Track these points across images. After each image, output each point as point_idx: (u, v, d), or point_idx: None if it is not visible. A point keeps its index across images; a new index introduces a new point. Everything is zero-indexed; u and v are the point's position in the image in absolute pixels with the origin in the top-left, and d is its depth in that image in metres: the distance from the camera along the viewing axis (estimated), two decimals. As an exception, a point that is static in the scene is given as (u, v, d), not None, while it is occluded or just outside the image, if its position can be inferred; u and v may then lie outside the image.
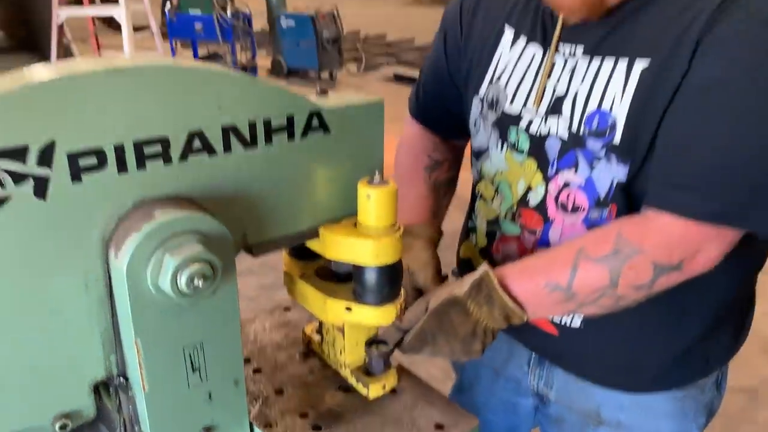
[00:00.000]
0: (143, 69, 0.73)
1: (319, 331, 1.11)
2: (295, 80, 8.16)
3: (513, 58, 1.18)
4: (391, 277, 0.93)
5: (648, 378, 1.21)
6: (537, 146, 1.14)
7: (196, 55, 8.02)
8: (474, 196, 1.32)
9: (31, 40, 9.23)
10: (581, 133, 1.06)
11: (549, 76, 1.11)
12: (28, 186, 0.68)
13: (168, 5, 7.44)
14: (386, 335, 1.05)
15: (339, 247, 0.92)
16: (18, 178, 0.67)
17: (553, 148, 1.11)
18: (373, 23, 12.74)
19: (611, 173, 1.04)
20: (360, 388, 1.01)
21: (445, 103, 1.35)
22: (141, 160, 0.74)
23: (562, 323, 1.19)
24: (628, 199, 1.04)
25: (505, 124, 1.18)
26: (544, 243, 1.15)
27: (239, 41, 7.62)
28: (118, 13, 4.83)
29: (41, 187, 0.69)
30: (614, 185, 1.05)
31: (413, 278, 1.15)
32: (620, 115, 1.01)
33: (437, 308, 1.04)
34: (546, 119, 1.11)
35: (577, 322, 1.18)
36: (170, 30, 7.64)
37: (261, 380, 1.06)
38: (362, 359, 1.04)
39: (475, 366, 1.47)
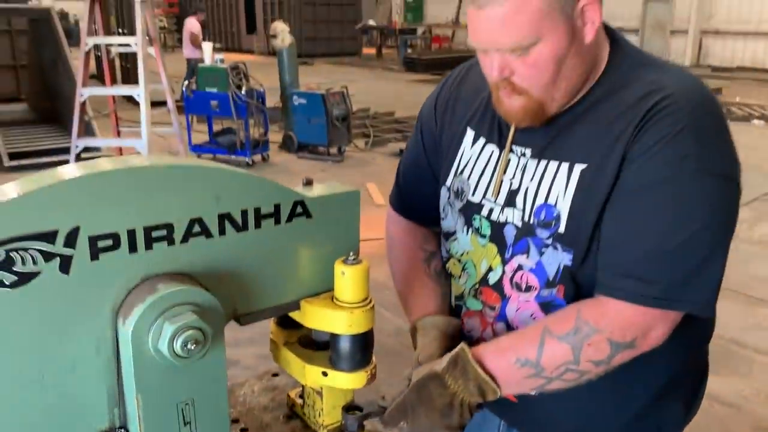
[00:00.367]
0: (153, 168, 0.89)
1: (302, 395, 1.23)
2: (305, 155, 8.45)
3: (474, 155, 1.33)
4: (363, 345, 1.06)
5: None
6: (497, 232, 1.27)
7: (210, 130, 8.34)
8: (435, 255, 1.43)
9: (53, 113, 9.65)
10: (531, 223, 1.20)
11: (505, 171, 1.25)
12: (55, 263, 0.83)
13: (186, 83, 7.81)
14: (367, 406, 1.16)
15: (317, 317, 1.05)
16: (48, 256, 0.82)
17: (510, 234, 1.25)
18: (383, 100, 13.19)
19: (558, 258, 1.17)
20: (336, 447, 1.12)
21: (425, 193, 1.44)
22: (149, 243, 0.89)
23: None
24: (574, 281, 1.17)
25: (470, 211, 1.31)
26: (502, 318, 1.27)
27: (252, 117, 7.94)
28: (138, 93, 5.12)
29: (66, 264, 0.84)
30: (561, 269, 1.17)
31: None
32: (564, 209, 1.16)
33: (417, 382, 1.15)
34: (503, 209, 1.26)
35: (532, 391, 1.26)
36: (187, 106, 7.99)
37: (245, 442, 1.17)
38: (339, 421, 1.15)
39: None
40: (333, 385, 1.08)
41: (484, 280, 1.28)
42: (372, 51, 26.22)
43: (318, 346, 1.13)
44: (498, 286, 1.25)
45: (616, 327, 1.09)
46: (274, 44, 8.67)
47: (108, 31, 9.39)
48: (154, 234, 0.90)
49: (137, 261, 0.89)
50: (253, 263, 1.00)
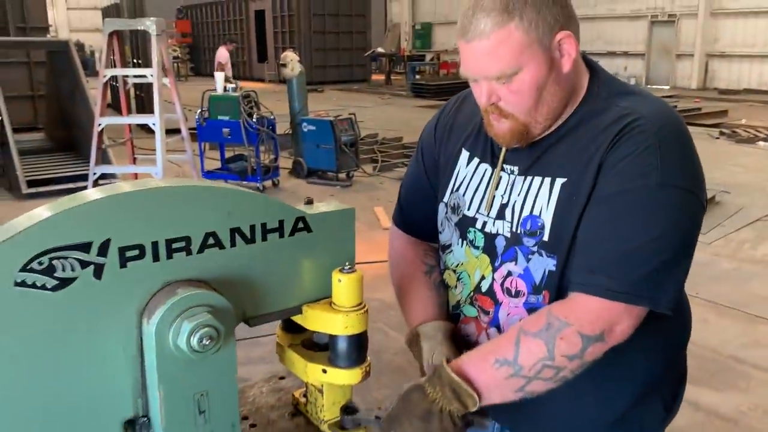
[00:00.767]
0: (173, 188, 1.03)
1: (305, 394, 1.35)
2: (314, 180, 8.62)
3: (469, 173, 1.46)
4: (358, 345, 1.19)
5: None
6: (489, 243, 1.40)
7: (223, 156, 8.54)
8: (435, 269, 1.55)
9: (70, 141, 9.91)
10: (519, 233, 1.33)
11: (496, 188, 1.39)
12: (90, 270, 0.97)
13: (199, 112, 8.03)
14: (365, 413, 1.27)
15: (317, 320, 1.18)
16: (84, 264, 0.96)
17: (500, 244, 1.37)
18: (391, 126, 13.39)
19: (543, 264, 1.30)
20: (335, 439, 1.25)
21: (425, 211, 1.55)
22: (169, 253, 1.03)
23: None
24: (558, 287, 1.28)
25: (465, 225, 1.44)
26: (495, 322, 1.38)
27: (263, 144, 8.13)
28: (153, 121, 5.32)
29: (99, 271, 0.97)
30: (546, 274, 1.30)
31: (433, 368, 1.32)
32: (547, 219, 1.28)
33: (402, 394, 1.25)
34: (494, 222, 1.39)
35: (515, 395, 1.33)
36: (200, 134, 8.20)
37: (254, 435, 1.30)
38: (338, 416, 1.28)
39: None
40: (332, 381, 1.20)
41: (477, 289, 1.40)
42: (381, 77, 26.58)
43: (319, 348, 1.26)
44: (490, 292, 1.37)
45: (584, 320, 1.19)
46: (284, 73, 8.89)
47: (123, 62, 9.68)
48: (174, 245, 1.03)
49: (159, 269, 1.02)
50: (260, 272, 1.14)
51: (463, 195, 1.45)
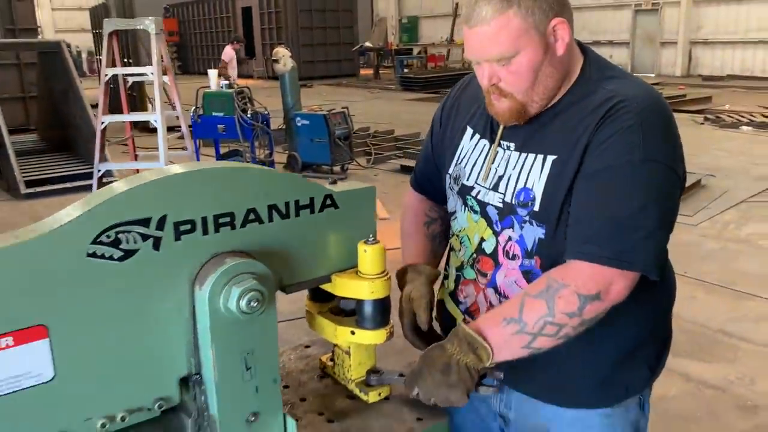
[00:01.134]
0: (220, 170, 1.16)
1: (332, 358, 1.49)
2: (309, 173, 8.72)
3: (470, 148, 1.61)
4: (382, 308, 1.32)
5: (577, 396, 1.52)
6: (483, 209, 1.55)
7: (218, 152, 8.64)
8: (449, 250, 1.71)
9: (64, 142, 9.96)
10: (513, 203, 1.46)
11: (493, 162, 1.54)
12: (150, 242, 1.09)
13: (193, 109, 8.12)
14: (389, 372, 1.41)
15: (345, 287, 1.32)
16: (144, 237, 1.09)
17: (492, 213, 1.52)
18: (381, 119, 13.50)
19: (534, 233, 1.43)
20: (362, 395, 1.38)
21: (432, 179, 1.74)
22: (217, 227, 1.16)
23: None
24: (547, 253, 1.42)
25: (464, 193, 1.58)
26: (492, 284, 1.52)
27: (258, 139, 8.24)
28: (155, 118, 5.42)
29: (157, 243, 1.10)
30: (536, 241, 1.43)
31: (413, 304, 1.50)
32: (538, 191, 1.42)
33: (424, 353, 1.39)
34: (488, 192, 1.52)
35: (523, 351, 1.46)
36: (195, 131, 8.29)
37: (288, 393, 1.43)
38: (364, 376, 1.41)
39: None
40: (360, 342, 1.33)
41: (480, 250, 1.54)
42: (369, 72, 26.65)
43: (345, 313, 1.39)
44: (494, 255, 1.51)
45: (580, 282, 1.32)
46: (276, 69, 8.99)
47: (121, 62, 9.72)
48: (221, 220, 1.16)
49: (208, 241, 1.15)
50: (294, 244, 1.27)
51: (464, 167, 1.60)
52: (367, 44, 26.46)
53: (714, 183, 7.86)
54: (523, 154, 1.47)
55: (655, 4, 22.31)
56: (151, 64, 5.63)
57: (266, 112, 8.39)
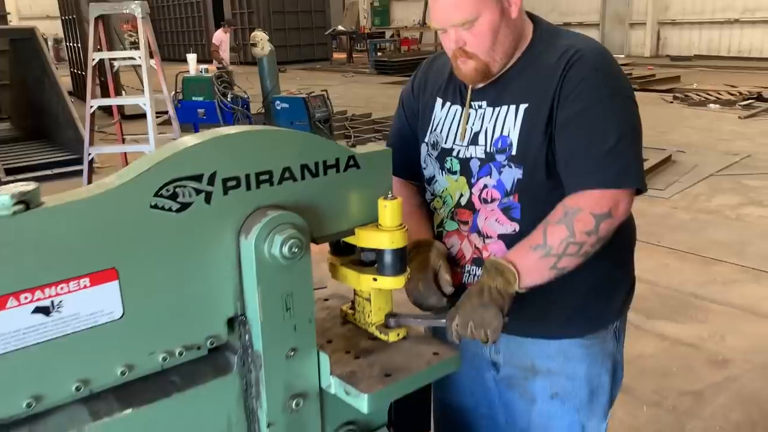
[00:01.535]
0: (261, 132, 1.30)
1: (352, 307, 1.64)
2: (289, 157, 8.84)
3: (443, 115, 1.81)
4: (401, 257, 1.48)
5: (558, 326, 1.73)
6: (465, 166, 1.73)
7: (197, 138, 8.69)
8: (426, 203, 1.88)
9: (39, 130, 9.91)
10: (491, 152, 1.67)
11: (467, 122, 1.73)
12: (202, 196, 1.23)
13: (173, 94, 8.16)
14: (405, 315, 1.57)
15: (368, 239, 1.47)
16: (197, 191, 1.22)
17: (475, 165, 1.71)
18: (357, 103, 13.60)
19: (513, 174, 1.64)
20: (383, 336, 1.54)
21: (409, 153, 1.87)
22: (258, 184, 1.30)
23: None
24: (525, 189, 1.62)
25: (443, 156, 1.77)
26: (474, 228, 1.72)
27: (239, 123, 8.33)
28: (144, 102, 5.49)
29: (208, 197, 1.24)
30: (515, 181, 1.64)
31: (439, 271, 1.67)
32: (514, 137, 1.63)
33: (468, 291, 1.58)
34: (468, 148, 1.72)
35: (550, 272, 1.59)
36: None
37: (315, 337, 1.58)
38: (383, 320, 1.57)
39: None
40: (381, 287, 1.49)
41: (457, 204, 1.75)
42: (342, 56, 26.64)
43: (365, 264, 1.55)
44: (469, 204, 1.71)
45: (593, 203, 1.52)
46: (254, 52, 9.06)
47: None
48: (261, 177, 1.30)
49: (251, 196, 1.29)
50: (322, 200, 1.41)
51: (440, 132, 1.79)
52: (340, 28, 26.44)
53: (684, 158, 8.16)
54: (497, 108, 1.67)
55: (623, -14, 22.61)
56: (126, 49, 5.68)
57: (246, 96, 8.46)
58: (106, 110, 8.48)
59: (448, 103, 1.80)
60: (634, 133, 1.59)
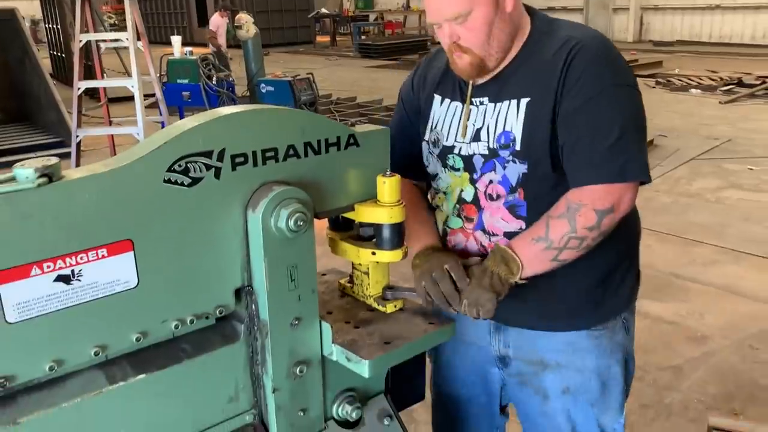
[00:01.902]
0: (268, 110, 1.36)
1: (350, 281, 1.71)
2: (275, 140, 8.85)
3: (443, 112, 1.77)
4: (398, 231, 1.54)
5: (567, 318, 1.71)
6: (468, 163, 1.70)
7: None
8: (433, 208, 1.86)
9: (22, 113, 9.81)
10: (495, 147, 1.64)
11: (468, 118, 1.71)
12: (212, 172, 1.29)
13: (157, 76, 8.11)
14: (402, 294, 1.62)
15: (367, 214, 1.53)
16: (207, 167, 1.28)
17: (478, 161, 1.69)
18: (342, 87, 13.59)
19: (517, 169, 1.62)
20: (380, 308, 1.61)
21: (412, 151, 1.84)
22: (264, 160, 1.36)
23: None
24: (530, 185, 1.61)
25: (444, 153, 1.75)
26: (480, 226, 1.70)
27: (224, 106, 8.31)
28: (132, 84, 5.48)
29: (217, 173, 1.30)
30: (520, 176, 1.62)
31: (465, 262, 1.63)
32: (518, 132, 1.60)
33: (471, 270, 1.59)
34: (470, 144, 1.69)
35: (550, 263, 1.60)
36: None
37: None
38: (381, 292, 1.64)
39: (450, 343, 1.88)
40: (380, 260, 1.56)
41: (461, 200, 1.73)
42: (326, 39, 26.50)
43: (364, 239, 1.61)
44: (475, 201, 1.70)
45: (595, 199, 1.51)
46: (239, 35, 9.03)
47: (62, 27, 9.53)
48: (267, 154, 1.36)
49: (258, 172, 1.35)
50: (324, 177, 1.47)
51: (440, 130, 1.77)
52: (323, 11, 26.28)
53: (666, 142, 8.29)
54: (498, 103, 1.65)
55: (607, -29, 22.69)
56: (106, 31, 5.64)
57: (231, 79, 8.44)
58: (87, 93, 8.42)
59: (447, 100, 1.77)
60: (638, 123, 1.56)
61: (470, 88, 1.70)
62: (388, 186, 1.52)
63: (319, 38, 26.98)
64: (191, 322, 1.33)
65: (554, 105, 1.57)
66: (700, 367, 3.59)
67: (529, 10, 1.71)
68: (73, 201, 1.13)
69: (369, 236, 1.61)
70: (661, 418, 3.13)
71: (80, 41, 5.50)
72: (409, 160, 1.85)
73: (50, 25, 16.21)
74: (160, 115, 6.45)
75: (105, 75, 10.19)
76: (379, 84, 14.62)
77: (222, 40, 10.87)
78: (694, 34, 21.48)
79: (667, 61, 16.64)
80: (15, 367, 1.15)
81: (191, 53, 8.32)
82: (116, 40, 6.03)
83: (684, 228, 5.39)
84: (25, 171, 1.08)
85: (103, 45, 6.70)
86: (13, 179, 1.10)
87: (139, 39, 5.69)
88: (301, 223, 1.34)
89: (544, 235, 1.54)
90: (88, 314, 1.19)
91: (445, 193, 1.79)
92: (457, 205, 1.74)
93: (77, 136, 5.72)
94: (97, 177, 1.16)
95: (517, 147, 1.61)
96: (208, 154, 1.28)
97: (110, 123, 6.66)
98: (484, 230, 1.71)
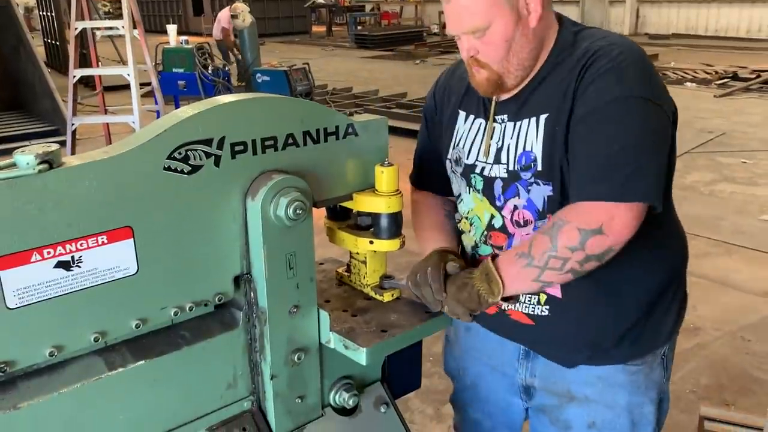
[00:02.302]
0: (268, 99, 1.36)
1: (347, 270, 1.72)
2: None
3: (466, 129, 1.68)
4: (396, 220, 1.55)
5: (602, 352, 1.59)
6: (488, 185, 1.59)
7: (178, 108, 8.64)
8: (459, 232, 1.75)
9: (16, 101, 9.76)
10: (516, 170, 1.54)
11: (491, 137, 1.61)
12: (212, 160, 1.29)
13: (153, 65, 8.08)
14: (399, 279, 1.61)
15: (365, 203, 1.54)
16: (207, 155, 1.29)
17: (498, 186, 1.58)
18: (338, 77, 13.56)
19: (542, 192, 1.50)
20: (378, 296, 1.62)
21: (438, 169, 1.77)
22: (263, 149, 1.36)
23: (535, 313, 1.58)
24: (557, 208, 1.46)
25: (467, 173, 1.64)
26: None
27: (220, 95, 8.29)
28: (127, 72, 5.45)
29: (217, 161, 1.30)
30: (546, 200, 1.50)
31: (446, 267, 1.54)
32: (538, 151, 1.49)
33: (461, 273, 1.52)
34: (492, 167, 1.59)
35: (545, 311, 1.58)
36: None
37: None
38: (378, 281, 1.65)
39: (476, 366, 1.85)
40: (378, 249, 1.57)
41: (490, 226, 1.63)
42: (321, 29, 26.41)
43: (362, 228, 1.62)
44: (503, 228, 1.60)
45: (581, 218, 1.39)
46: (235, 24, 8.99)
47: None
48: (266, 143, 1.36)
49: (257, 160, 1.35)
50: (322, 166, 1.48)
51: (463, 148, 1.68)
52: (319, 1, 26.16)
53: (660, 135, 8.29)
54: (518, 122, 1.56)
55: (604, -37, 22.66)
56: (100, 19, 5.61)
57: (227, 69, 8.41)
58: (82, 81, 8.38)
59: (471, 117, 1.67)
60: (648, 140, 1.39)
61: (494, 104, 1.60)
62: (386, 175, 1.53)
63: (315, 28, 26.87)
64: (190, 309, 1.34)
65: (569, 117, 1.46)
66: (692, 358, 3.62)
67: (559, 18, 1.58)
68: (73, 188, 1.14)
69: (367, 225, 1.61)
70: (654, 408, 3.15)
71: (76, 29, 5.47)
72: (434, 177, 1.81)
73: (44, 13, 16.11)
74: (156, 104, 6.42)
75: (100, 63, 10.16)
76: (375, 75, 14.60)
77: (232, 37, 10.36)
78: (690, 28, 21.50)
79: (662, 54, 16.64)
80: (15, 353, 1.15)
81: (187, 42, 8.29)
82: (112, 28, 6.00)
83: (678, 221, 5.41)
84: (26, 157, 1.09)
85: (98, 33, 6.66)
86: (13, 165, 1.10)
87: (134, 27, 5.66)
88: (300, 212, 1.34)
89: (527, 251, 1.44)
90: (88, 300, 1.20)
91: (467, 218, 1.70)
92: (486, 231, 1.64)
93: (73, 125, 5.69)
94: (97, 164, 1.17)
95: (539, 167, 1.50)
96: (208, 142, 1.28)
97: (106, 111, 6.63)
98: None
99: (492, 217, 1.62)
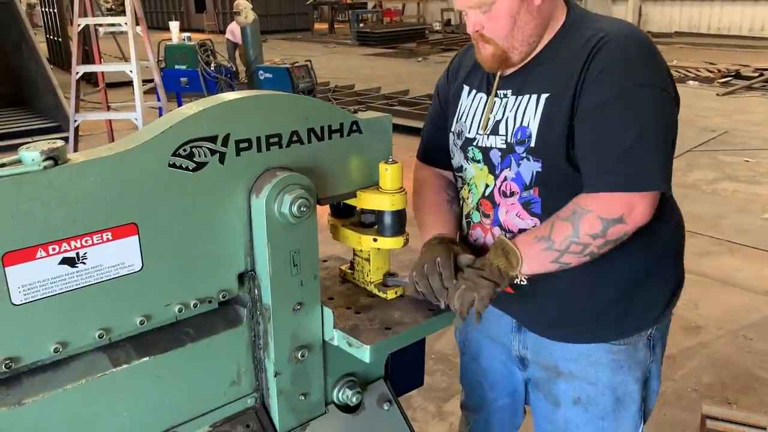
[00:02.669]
0: (270, 96, 1.36)
1: (351, 267, 1.72)
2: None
3: (468, 103, 1.74)
4: (400, 218, 1.55)
5: (581, 331, 1.66)
6: (486, 156, 1.66)
7: (180, 106, 8.64)
8: (457, 199, 1.82)
9: (19, 97, 9.76)
10: (512, 142, 1.60)
11: (491, 111, 1.66)
12: (216, 156, 1.29)
13: (156, 61, 8.07)
14: (402, 276, 1.62)
15: (369, 201, 1.54)
16: (212, 152, 1.29)
17: (495, 155, 1.65)
18: (340, 74, 13.55)
19: (531, 167, 1.57)
20: (381, 294, 1.62)
21: (443, 143, 1.81)
22: (268, 146, 1.36)
23: (515, 282, 1.60)
24: (544, 183, 1.56)
25: (466, 145, 1.71)
26: (496, 222, 1.67)
27: (222, 92, 8.28)
28: (130, 69, 5.45)
29: (222, 158, 1.30)
30: (534, 174, 1.57)
31: (458, 259, 1.56)
32: (534, 128, 1.55)
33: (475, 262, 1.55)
34: (488, 137, 1.66)
35: (524, 280, 1.62)
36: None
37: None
38: (381, 278, 1.65)
39: (477, 339, 1.93)
40: (382, 247, 1.57)
41: (483, 195, 1.70)
42: (323, 26, 26.39)
43: (365, 226, 1.62)
44: (490, 197, 1.67)
45: (602, 208, 1.45)
46: (237, 21, 8.97)
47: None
48: (271, 140, 1.36)
49: (262, 157, 1.35)
50: (327, 163, 1.48)
51: (465, 121, 1.74)
52: (322, -2, 26.13)
53: (662, 134, 8.29)
54: (519, 97, 1.61)
55: (606, -39, 22.61)
56: (102, 15, 5.62)
57: (229, 65, 8.41)
58: (84, 78, 8.40)
59: (474, 91, 1.73)
60: (660, 128, 1.45)
61: (497, 79, 1.65)
62: (391, 173, 1.53)
63: (317, 25, 26.86)
64: (194, 305, 1.34)
65: (573, 101, 1.50)
66: (694, 357, 3.62)
67: (568, 2, 1.63)
68: (78, 184, 1.14)
69: (370, 223, 1.61)
70: (655, 407, 3.14)
71: (79, 25, 5.47)
72: (440, 150, 1.84)
73: (47, 9, 16.10)
74: (158, 100, 6.42)
75: (102, 60, 10.17)
76: (377, 72, 14.59)
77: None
78: (692, 26, 21.46)
79: (665, 52, 16.47)
80: (20, 349, 1.16)
81: (189, 39, 8.28)
82: (115, 25, 6.00)
83: (680, 219, 5.41)
84: (31, 153, 1.09)
85: (101, 29, 6.65)
86: (18, 162, 1.10)
87: (137, 24, 5.66)
88: (304, 209, 1.34)
89: (548, 235, 1.50)
90: (93, 297, 1.20)
91: (468, 184, 1.75)
92: (480, 199, 1.71)
93: (75, 121, 5.70)
94: (102, 161, 1.17)
95: (532, 144, 1.56)
96: (212, 139, 1.28)
97: (108, 108, 6.63)
98: (501, 226, 1.67)
99: (487, 186, 1.68)
